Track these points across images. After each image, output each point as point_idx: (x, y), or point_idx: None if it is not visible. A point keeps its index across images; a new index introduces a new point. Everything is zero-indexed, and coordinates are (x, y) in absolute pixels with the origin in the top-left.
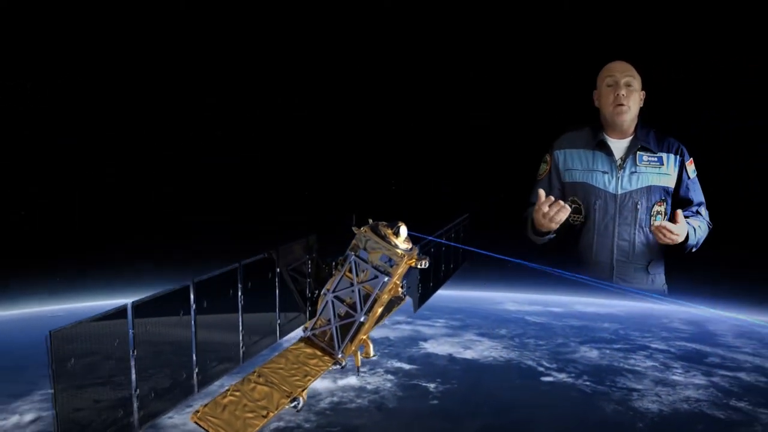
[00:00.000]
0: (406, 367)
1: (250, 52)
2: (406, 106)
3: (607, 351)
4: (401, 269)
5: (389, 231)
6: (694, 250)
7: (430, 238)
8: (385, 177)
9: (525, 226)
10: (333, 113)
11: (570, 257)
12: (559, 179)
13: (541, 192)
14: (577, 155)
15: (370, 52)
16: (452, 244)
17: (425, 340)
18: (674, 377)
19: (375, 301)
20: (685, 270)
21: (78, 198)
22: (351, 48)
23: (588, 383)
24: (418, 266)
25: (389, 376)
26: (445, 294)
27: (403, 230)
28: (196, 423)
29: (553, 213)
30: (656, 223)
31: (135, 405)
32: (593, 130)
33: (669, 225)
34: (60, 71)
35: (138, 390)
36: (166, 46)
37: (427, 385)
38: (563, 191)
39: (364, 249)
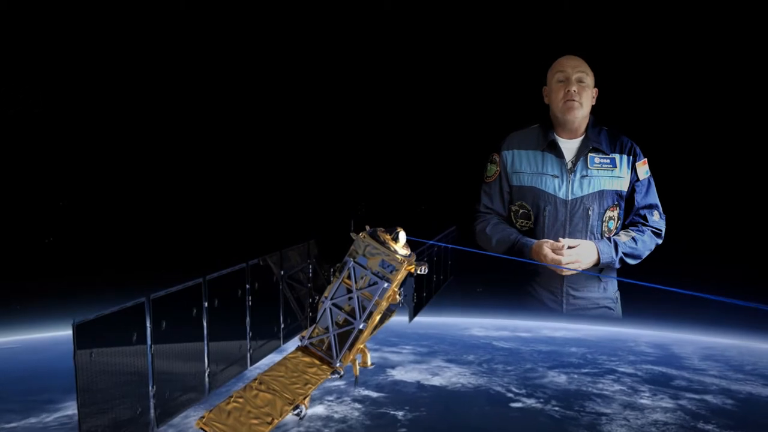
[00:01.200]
0: (374, 395)
1: (249, 52)
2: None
3: (576, 375)
4: (401, 275)
5: (388, 236)
6: (633, 263)
7: (430, 242)
8: (379, 180)
9: (484, 238)
10: (332, 113)
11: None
12: (508, 182)
13: (566, 242)
14: (526, 156)
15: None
16: (456, 247)
17: (393, 367)
18: (642, 401)
19: (374, 308)
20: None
21: (75, 198)
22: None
23: (557, 408)
24: (418, 272)
25: (356, 405)
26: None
27: (402, 236)
28: (201, 429)
29: (552, 257)
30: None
31: (152, 402)
32: (543, 129)
33: (553, 256)
34: (58, 72)
35: (155, 388)
36: (166, 47)
37: (396, 413)
38: (510, 194)
39: (363, 255)
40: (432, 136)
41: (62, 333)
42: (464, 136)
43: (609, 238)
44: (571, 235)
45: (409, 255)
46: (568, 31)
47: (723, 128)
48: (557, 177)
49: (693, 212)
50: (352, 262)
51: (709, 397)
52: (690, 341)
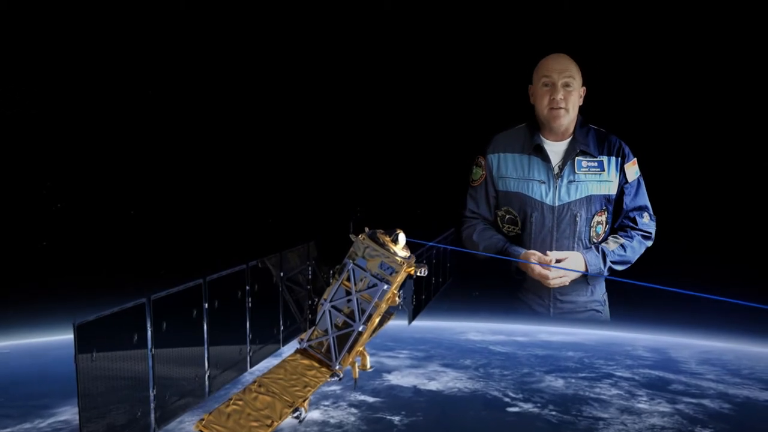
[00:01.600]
0: (370, 400)
1: (249, 53)
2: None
3: (573, 380)
4: (400, 277)
5: (387, 238)
6: (621, 269)
7: (430, 243)
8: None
9: (471, 245)
10: (331, 116)
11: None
12: (494, 186)
13: (553, 255)
14: (512, 160)
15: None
16: (455, 249)
17: (389, 371)
18: (639, 405)
19: (373, 310)
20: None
21: (75, 199)
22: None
23: (554, 413)
24: (418, 274)
25: (353, 410)
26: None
27: (402, 238)
28: (201, 431)
29: (539, 271)
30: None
31: (152, 405)
32: (529, 130)
33: (540, 270)
34: (55, 72)
35: (155, 390)
36: (166, 47)
37: (392, 418)
38: (497, 199)
39: (362, 257)
40: (432, 138)
41: (60, 337)
42: (464, 137)
43: (597, 247)
44: (559, 242)
45: (409, 257)
46: (558, 28)
47: (725, 127)
48: (544, 182)
49: (693, 212)
50: (351, 264)
51: (706, 402)
52: (687, 345)
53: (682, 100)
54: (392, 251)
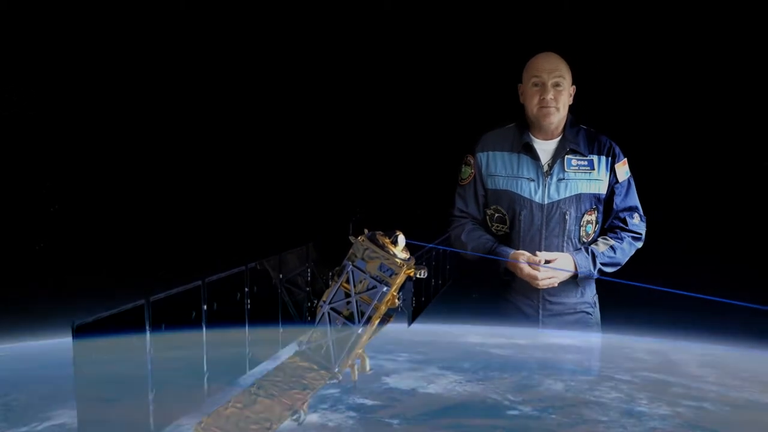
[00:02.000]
0: (369, 402)
1: (249, 53)
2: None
3: (572, 383)
4: (400, 279)
5: (387, 240)
6: (611, 271)
7: (429, 245)
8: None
9: (460, 245)
10: (331, 116)
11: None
12: (483, 185)
13: (543, 255)
14: (501, 158)
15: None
16: (451, 249)
17: (388, 374)
18: (639, 408)
19: (373, 312)
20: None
21: (73, 201)
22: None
23: (553, 416)
24: (417, 275)
25: (351, 413)
26: (407, 327)
27: (401, 239)
28: None
29: (528, 271)
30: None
31: (150, 408)
32: (518, 128)
33: (529, 271)
34: (53, 73)
35: (154, 391)
36: (165, 46)
37: (391, 420)
38: (486, 198)
39: (362, 258)
40: (433, 139)
41: (58, 339)
42: (465, 137)
43: (587, 248)
44: (548, 240)
45: (409, 258)
46: (548, 26)
47: (724, 126)
48: (533, 180)
49: (692, 212)
50: (350, 266)
51: (707, 405)
52: (687, 348)
53: (677, 99)
54: (392, 253)
